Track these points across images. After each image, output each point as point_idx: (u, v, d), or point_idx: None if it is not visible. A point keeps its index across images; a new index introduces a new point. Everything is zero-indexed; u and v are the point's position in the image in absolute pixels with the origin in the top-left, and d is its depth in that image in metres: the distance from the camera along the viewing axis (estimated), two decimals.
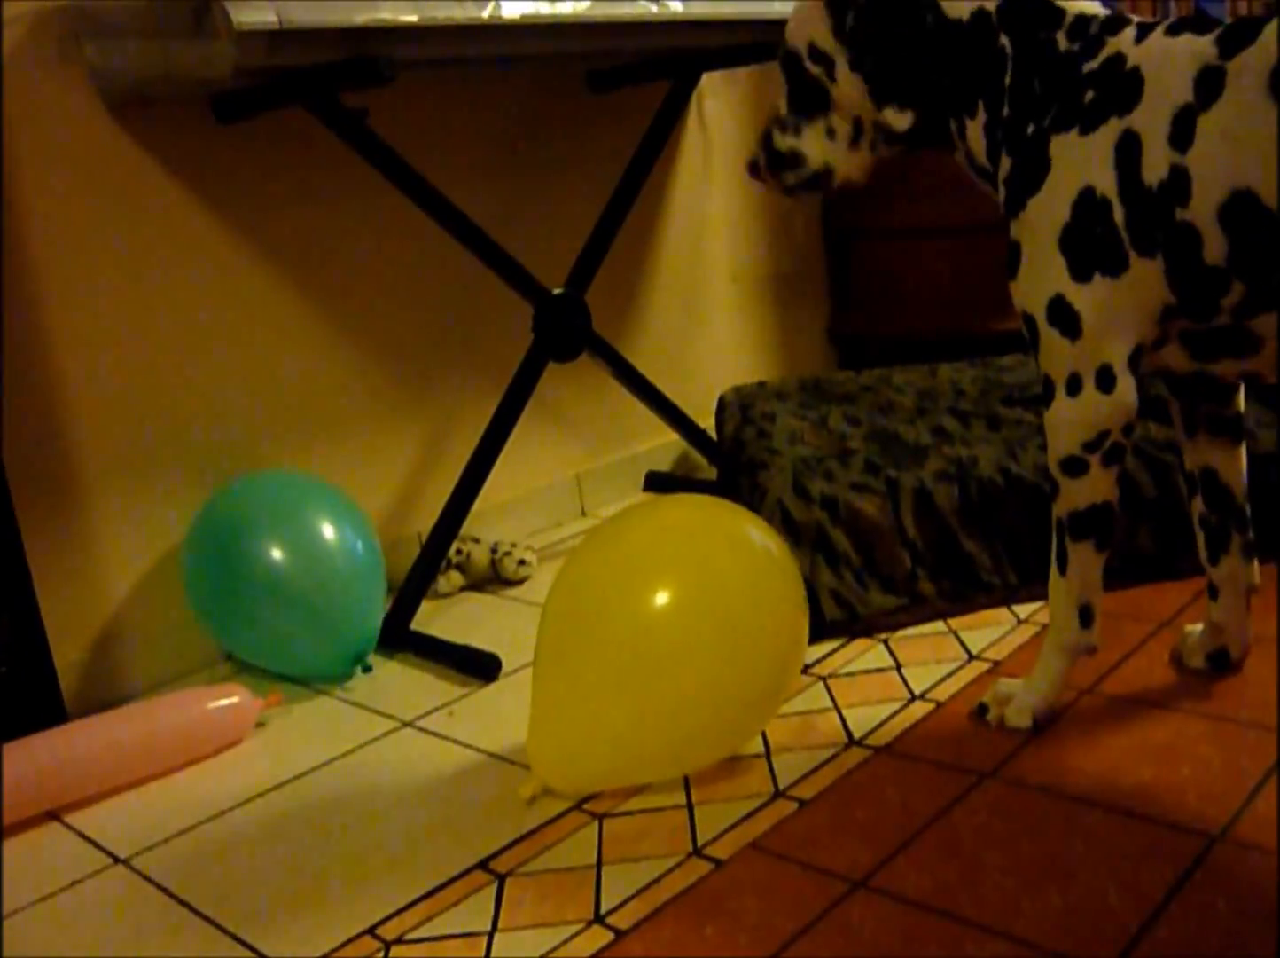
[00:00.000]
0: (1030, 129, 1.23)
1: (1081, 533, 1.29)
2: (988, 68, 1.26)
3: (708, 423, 2.34)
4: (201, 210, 1.81)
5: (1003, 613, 1.68)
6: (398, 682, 1.71)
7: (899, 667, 1.56)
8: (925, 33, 1.27)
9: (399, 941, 1.13)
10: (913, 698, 1.47)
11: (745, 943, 1.06)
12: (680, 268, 2.51)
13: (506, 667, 1.69)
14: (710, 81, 2.50)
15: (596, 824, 1.28)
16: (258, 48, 1.41)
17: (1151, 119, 1.14)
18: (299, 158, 1.90)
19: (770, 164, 1.40)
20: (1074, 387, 1.25)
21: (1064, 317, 1.22)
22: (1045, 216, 1.21)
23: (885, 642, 1.64)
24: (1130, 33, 1.21)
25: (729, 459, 2.06)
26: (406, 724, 1.57)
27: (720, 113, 2.57)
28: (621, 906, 1.13)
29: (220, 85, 1.64)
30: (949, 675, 1.52)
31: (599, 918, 1.12)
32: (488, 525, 2.14)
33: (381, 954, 1.11)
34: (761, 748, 1.39)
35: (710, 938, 1.07)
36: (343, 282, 1.99)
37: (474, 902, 1.17)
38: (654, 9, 1.79)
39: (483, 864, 1.23)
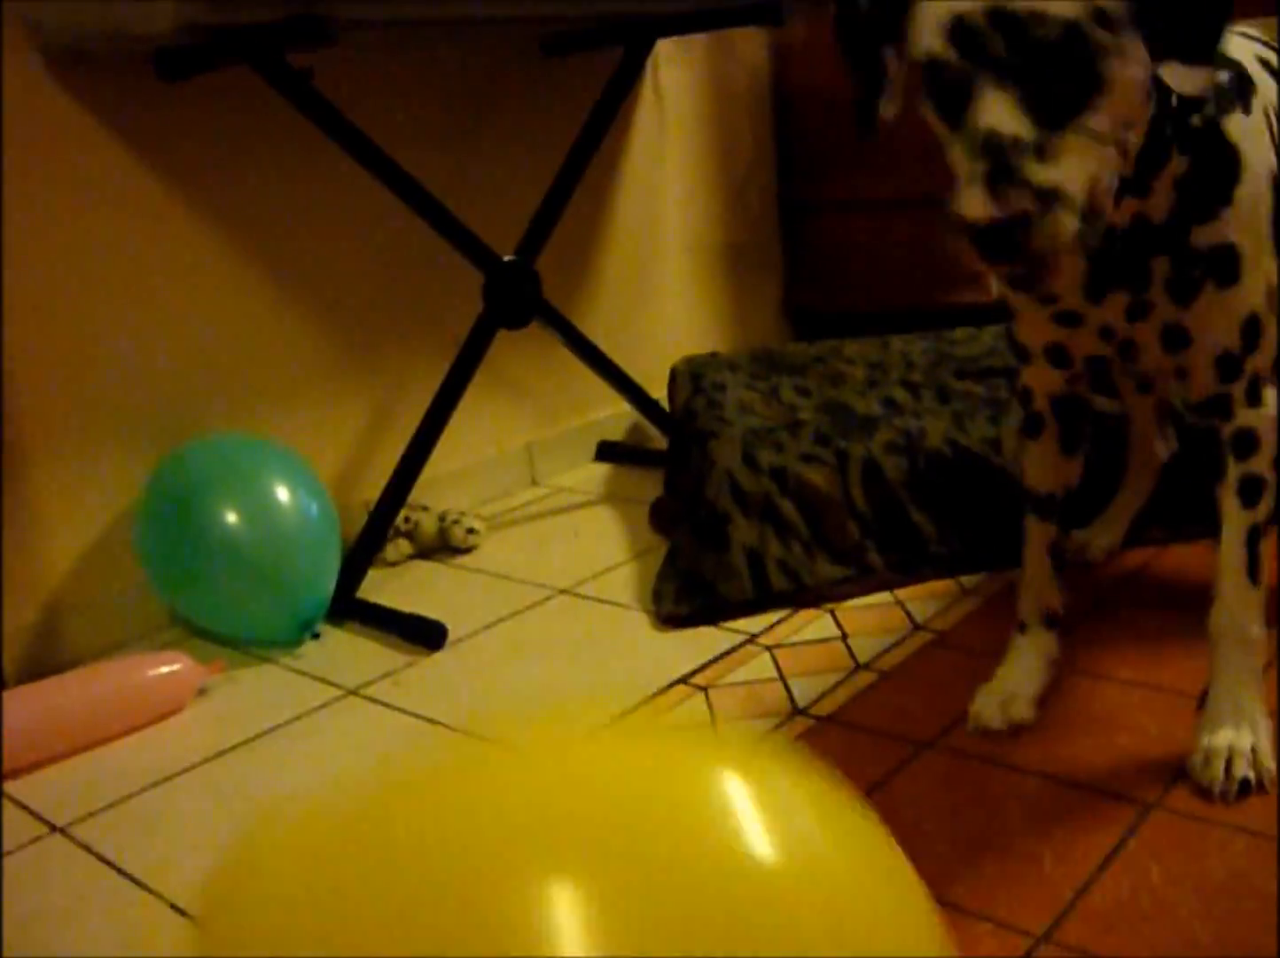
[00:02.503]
0: (1195, 119, 1.05)
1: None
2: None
3: (661, 393, 2.33)
4: (145, 170, 1.77)
5: (949, 584, 1.69)
6: (343, 650, 1.70)
7: (845, 637, 1.57)
8: None
9: None
10: (857, 668, 1.48)
11: None
12: (634, 237, 2.50)
13: (452, 635, 1.68)
14: (666, 49, 2.48)
15: None
16: (199, 4, 1.38)
17: (1268, 97, 1.11)
18: (245, 117, 1.86)
19: (1036, 214, 0.89)
20: None
21: None
22: (1258, 206, 1.07)
23: (832, 612, 1.64)
24: None
25: (680, 429, 2.06)
26: (350, 693, 1.56)
27: (676, 81, 2.56)
28: None
29: (162, 43, 1.61)
30: (894, 646, 1.53)
31: None
32: (437, 494, 2.13)
33: None
34: (707, 718, 1.40)
35: None
36: (292, 245, 1.96)
37: None
38: None
39: None
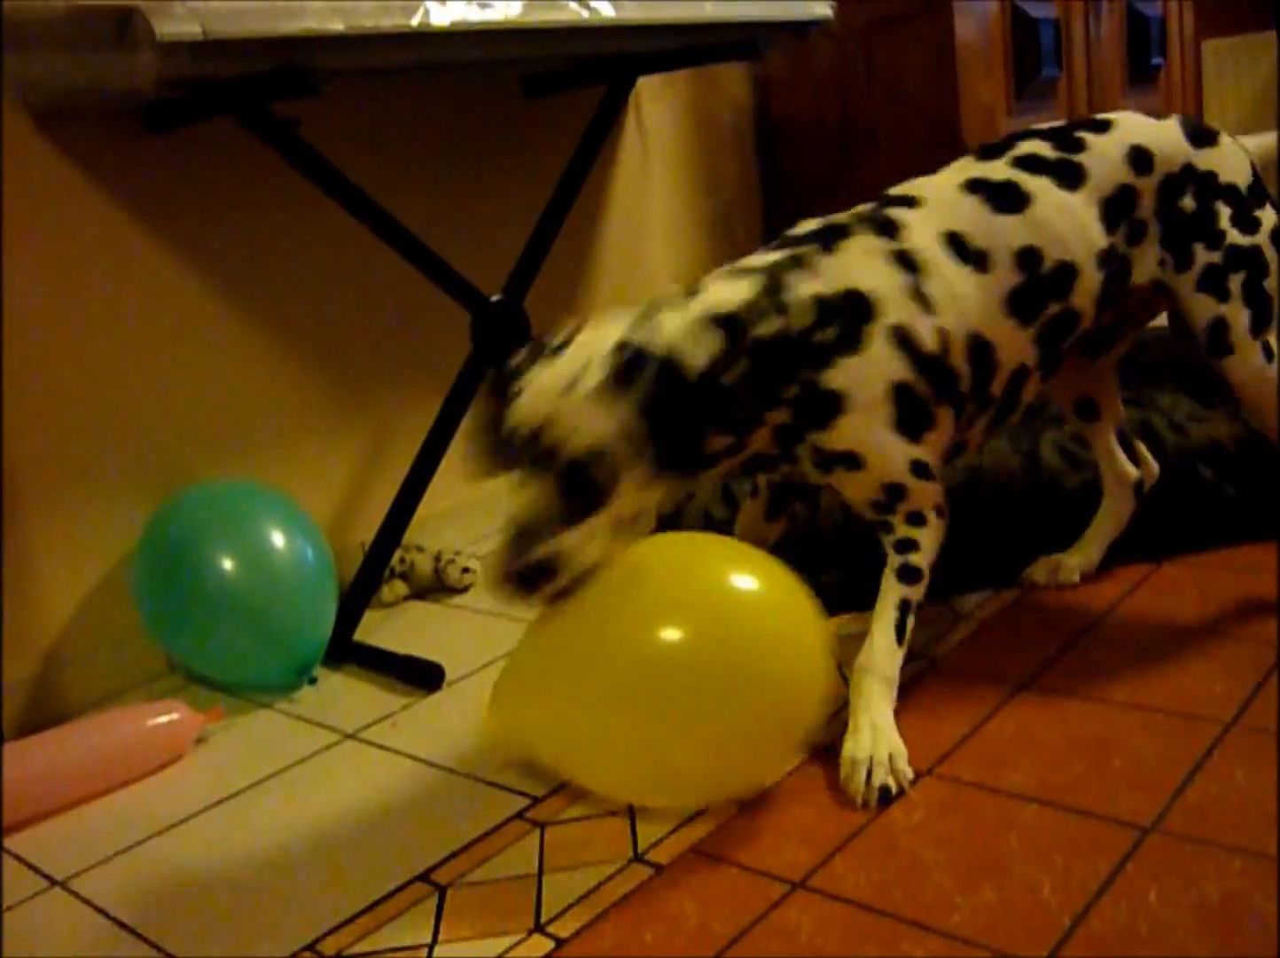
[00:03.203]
0: (788, 390, 1.32)
1: None
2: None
3: None
4: (135, 220, 1.79)
5: (942, 610, 1.69)
6: (341, 693, 1.70)
7: (839, 666, 1.57)
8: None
9: (339, 956, 1.12)
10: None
11: (685, 947, 1.06)
12: (620, 272, 2.51)
13: (450, 676, 1.68)
14: (648, 86, 2.51)
15: (538, 833, 1.28)
16: (181, 58, 1.39)
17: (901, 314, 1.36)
18: (232, 167, 1.88)
19: (528, 580, 1.20)
20: None
21: None
22: (870, 422, 1.35)
23: None
24: None
25: None
26: (348, 737, 1.57)
27: (659, 117, 2.58)
28: (562, 914, 1.13)
29: (146, 96, 1.63)
30: None
31: (540, 927, 1.12)
32: (431, 534, 2.13)
33: None
34: None
35: (650, 943, 1.07)
36: (281, 290, 1.97)
37: (414, 914, 1.17)
38: (584, 14, 1.79)
39: (423, 876, 1.23)
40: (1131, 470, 1.69)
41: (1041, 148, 1.45)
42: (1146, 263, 1.47)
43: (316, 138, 1.75)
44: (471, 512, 2.25)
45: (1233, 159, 1.49)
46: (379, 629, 1.89)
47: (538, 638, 1.28)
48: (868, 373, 1.31)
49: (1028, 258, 1.39)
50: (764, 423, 1.32)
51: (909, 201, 1.42)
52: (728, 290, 1.31)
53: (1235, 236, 1.45)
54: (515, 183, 2.27)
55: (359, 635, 1.82)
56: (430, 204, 2.13)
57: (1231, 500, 1.75)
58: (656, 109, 2.56)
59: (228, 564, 1.66)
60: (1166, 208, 1.46)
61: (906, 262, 1.35)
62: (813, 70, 2.71)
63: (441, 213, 2.15)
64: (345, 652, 1.79)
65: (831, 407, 1.31)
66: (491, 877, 1.21)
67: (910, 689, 1.47)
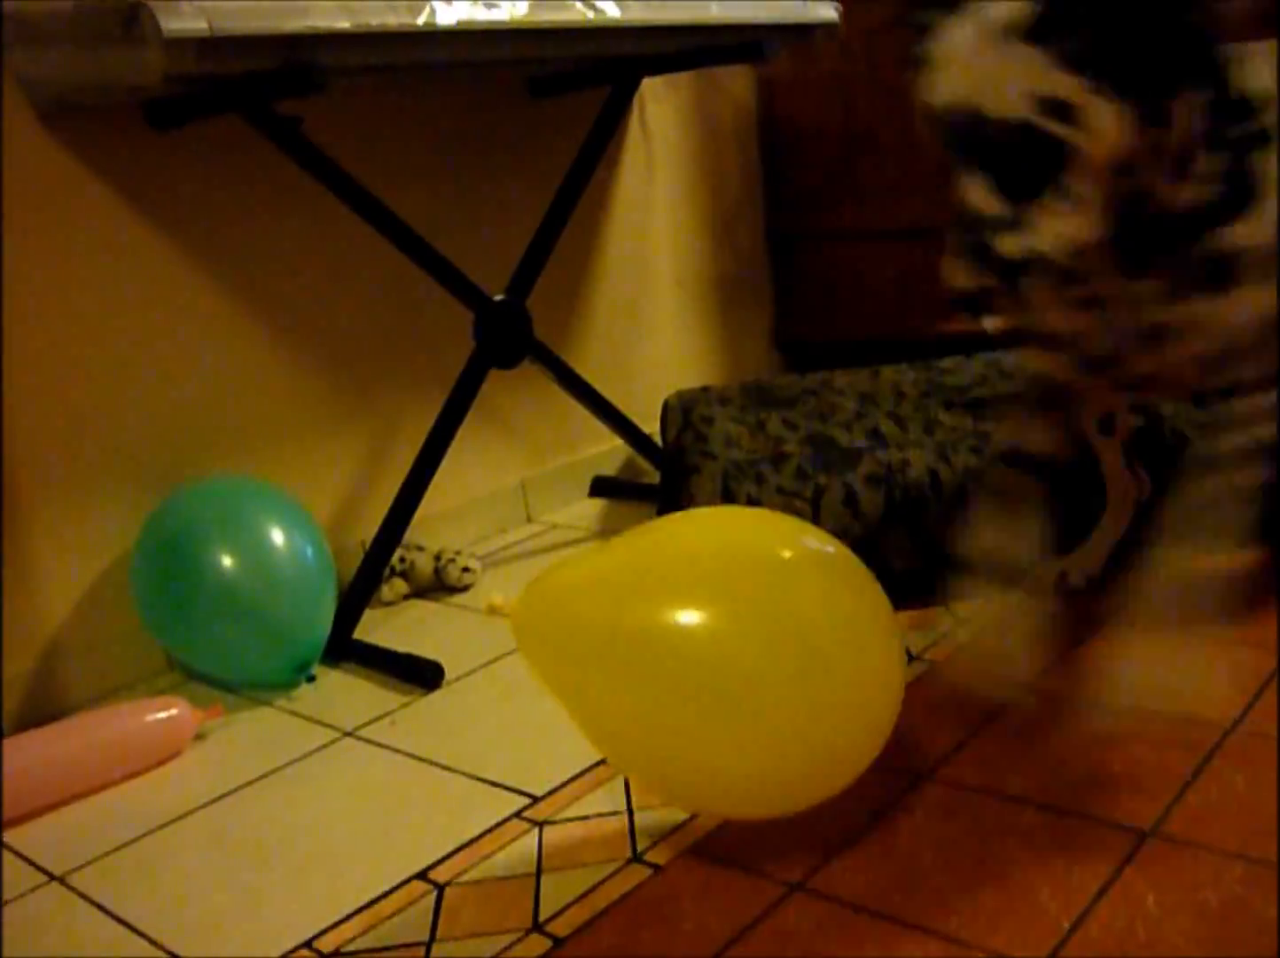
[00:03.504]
0: None
1: None
2: None
3: (655, 427, 2.34)
4: (138, 217, 1.79)
5: (942, 614, 1.69)
6: (340, 691, 1.70)
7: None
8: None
9: (336, 953, 1.12)
10: None
11: (683, 947, 1.06)
12: (624, 273, 2.51)
13: (449, 674, 1.68)
14: (652, 87, 2.51)
15: (536, 832, 1.28)
16: (187, 55, 1.39)
17: None
18: (236, 163, 1.88)
19: (1005, 282, 1.01)
20: None
21: None
22: None
23: None
24: None
25: (670, 464, 2.06)
26: (347, 734, 1.56)
27: (664, 118, 2.58)
28: (560, 913, 1.13)
29: (151, 92, 1.63)
30: None
31: (537, 926, 1.12)
32: (432, 533, 2.13)
33: None
34: None
35: (648, 943, 1.07)
36: (284, 288, 1.97)
37: (413, 912, 1.17)
38: (590, 15, 1.79)
39: (421, 874, 1.23)
40: (1133, 485, 1.69)
41: None
42: None
43: (321, 136, 1.76)
44: (472, 511, 2.25)
45: None
46: (379, 628, 1.89)
47: (597, 567, 1.13)
48: None
49: None
50: None
51: None
52: None
53: None
54: (519, 182, 2.27)
55: (359, 634, 1.82)
56: (434, 203, 2.13)
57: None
58: (660, 110, 2.56)
59: (227, 561, 1.65)
60: None
61: None
62: (816, 73, 2.71)
63: (445, 212, 2.15)
64: (344, 650, 1.78)
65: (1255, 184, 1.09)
66: (490, 875, 1.21)
67: (910, 692, 1.47)
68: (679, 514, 1.19)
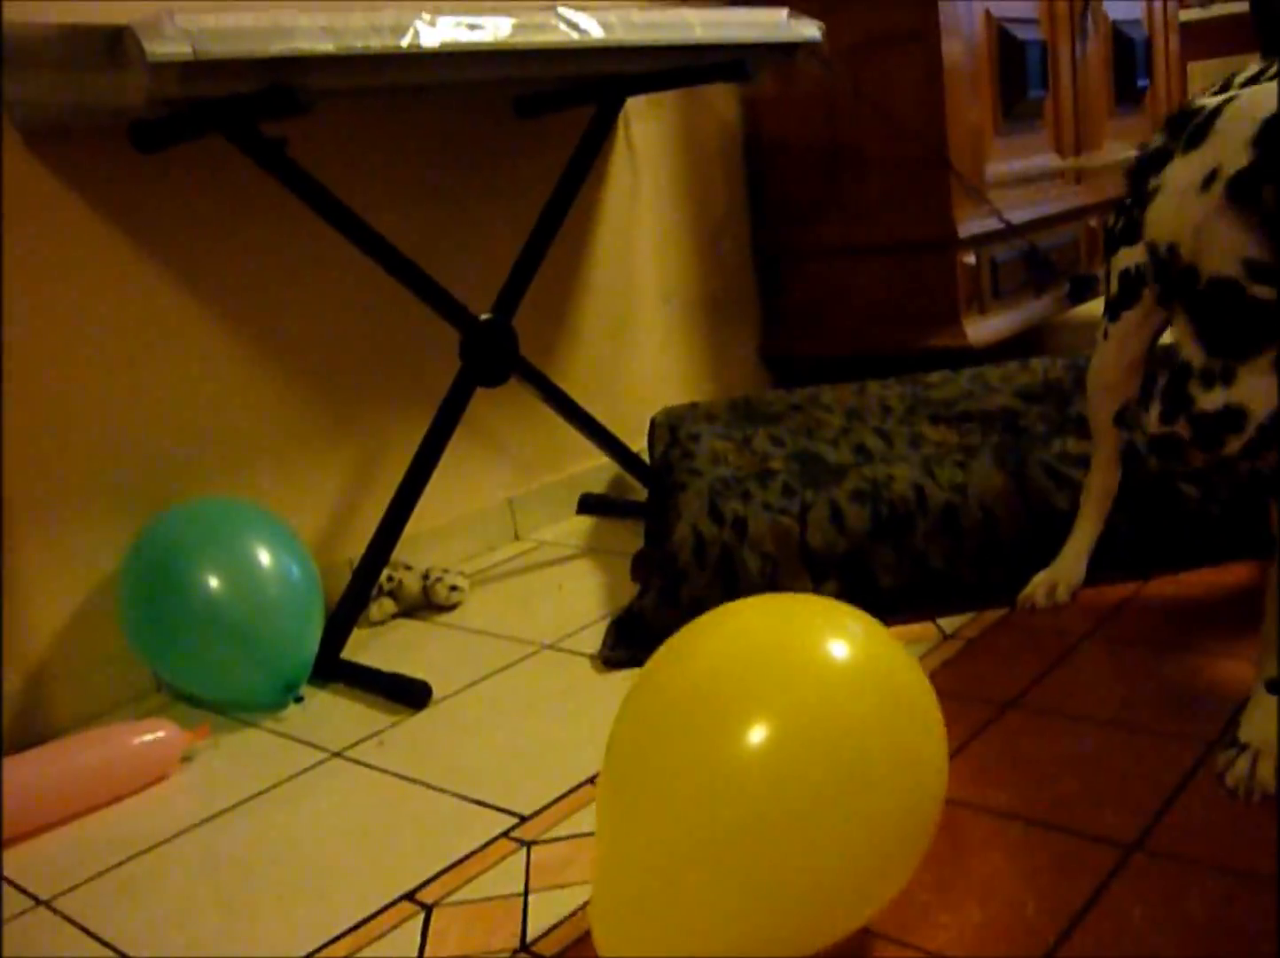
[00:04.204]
0: None
1: None
2: None
3: (643, 444, 2.35)
4: (123, 238, 1.79)
5: (927, 629, 1.69)
6: (328, 712, 1.70)
7: None
8: None
9: None
10: None
11: None
12: (610, 290, 2.52)
13: (437, 694, 1.68)
14: (636, 106, 2.52)
15: (524, 852, 1.28)
16: (171, 78, 1.40)
17: None
18: (221, 185, 1.89)
19: (1199, 435, 0.97)
20: None
21: None
22: None
23: None
24: None
25: (657, 481, 2.07)
26: (335, 755, 1.56)
27: (649, 136, 2.59)
28: (548, 933, 1.13)
29: (136, 114, 1.63)
30: None
31: (525, 947, 1.12)
32: (419, 551, 2.14)
33: None
34: None
35: None
36: (270, 309, 1.98)
37: (400, 933, 1.17)
38: (574, 36, 1.80)
39: (409, 895, 1.23)
40: (1116, 482, 1.71)
41: None
42: None
43: (306, 156, 1.76)
44: (460, 529, 2.26)
45: None
46: (366, 647, 1.89)
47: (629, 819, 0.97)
48: None
49: None
50: None
51: None
52: None
53: None
54: (505, 201, 2.28)
55: (346, 654, 1.82)
56: (420, 223, 2.14)
57: (1215, 519, 1.76)
58: (646, 128, 2.58)
59: (213, 582, 1.65)
60: None
61: None
62: (801, 91, 2.72)
63: (431, 231, 2.16)
64: (332, 670, 1.78)
65: None
66: (478, 896, 1.21)
67: None
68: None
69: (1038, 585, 1.71)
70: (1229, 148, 0.93)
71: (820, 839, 0.91)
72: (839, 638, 0.98)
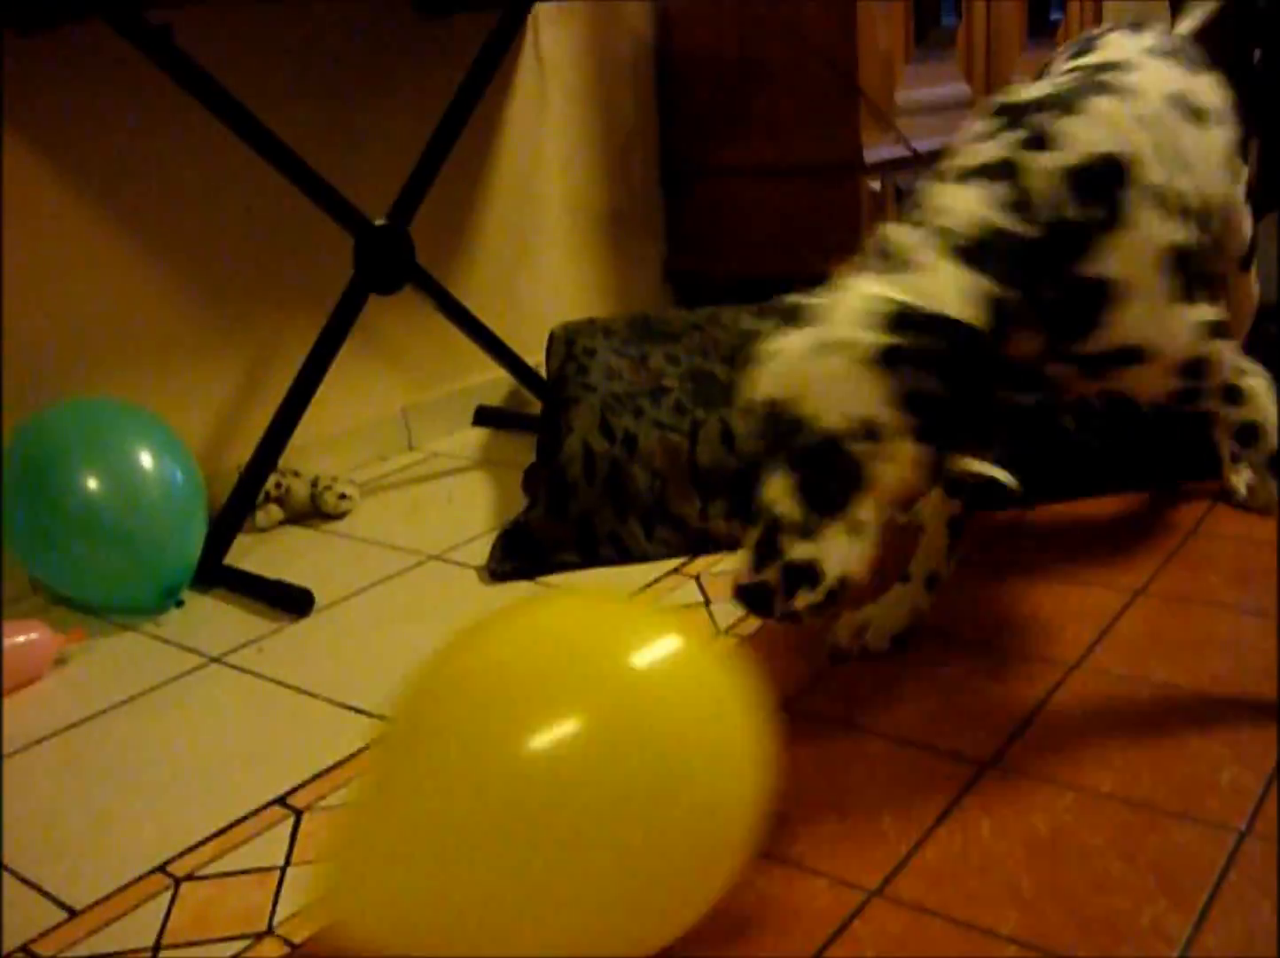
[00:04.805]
0: (1048, 291, 1.13)
1: None
2: None
3: (542, 358, 2.33)
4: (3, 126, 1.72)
5: None
6: (208, 617, 1.69)
7: (708, 603, 1.60)
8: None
9: (190, 877, 1.12)
10: (717, 634, 1.51)
11: None
12: (512, 202, 2.48)
13: (320, 602, 1.68)
14: (547, 13, 2.47)
15: None
16: None
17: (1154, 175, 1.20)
18: (104, 72, 1.81)
19: (789, 586, 1.03)
20: None
21: None
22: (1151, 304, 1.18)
23: (698, 578, 1.67)
24: None
25: (551, 395, 2.06)
26: (213, 660, 1.55)
27: (558, 46, 2.54)
28: None
29: None
30: None
31: None
32: (311, 459, 2.11)
33: (171, 891, 1.11)
34: None
35: None
36: (158, 204, 1.92)
37: (269, 837, 1.17)
38: None
39: (280, 800, 1.23)
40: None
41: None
42: None
43: (193, 47, 1.70)
44: (352, 438, 2.23)
45: None
46: (251, 554, 1.87)
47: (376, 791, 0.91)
48: (1135, 250, 1.11)
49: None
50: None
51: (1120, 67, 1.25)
52: (972, 200, 1.11)
53: None
54: (405, 104, 2.22)
55: (231, 560, 1.80)
56: (315, 123, 2.08)
57: (1096, 452, 1.81)
58: (555, 38, 2.52)
59: (92, 484, 1.62)
60: None
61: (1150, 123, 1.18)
62: (714, 5, 2.69)
63: (326, 132, 2.10)
64: (215, 575, 1.76)
65: (1099, 297, 1.12)
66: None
67: (775, 628, 1.50)
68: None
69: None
70: (834, 323, 1.04)
71: (598, 846, 0.84)
72: (646, 639, 0.92)
